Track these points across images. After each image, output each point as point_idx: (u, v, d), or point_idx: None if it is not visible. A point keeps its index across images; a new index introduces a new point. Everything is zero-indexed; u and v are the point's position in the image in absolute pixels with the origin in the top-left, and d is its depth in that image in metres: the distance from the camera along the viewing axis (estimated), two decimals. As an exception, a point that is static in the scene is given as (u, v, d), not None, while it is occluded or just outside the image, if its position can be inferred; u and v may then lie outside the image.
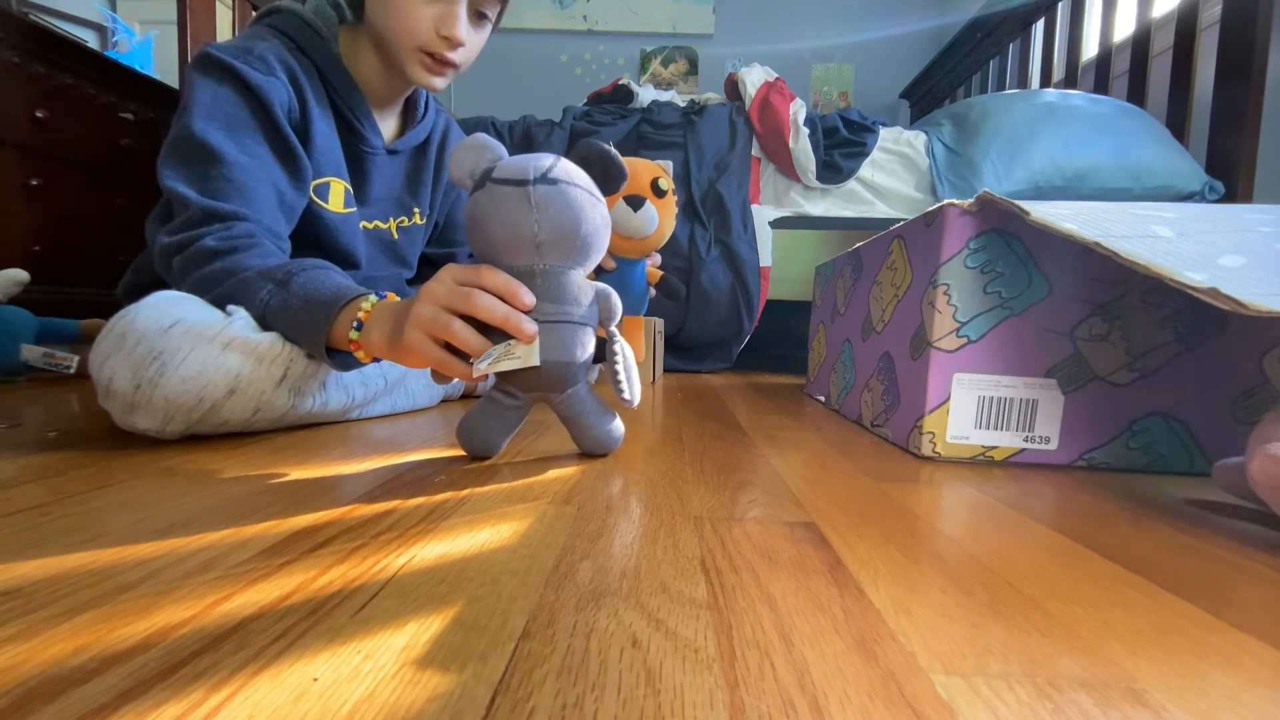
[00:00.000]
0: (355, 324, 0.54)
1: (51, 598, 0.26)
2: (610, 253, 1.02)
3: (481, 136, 0.52)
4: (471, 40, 0.70)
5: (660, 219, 1.00)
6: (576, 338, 0.52)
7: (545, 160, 0.50)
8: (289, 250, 0.68)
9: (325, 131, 0.72)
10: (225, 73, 0.64)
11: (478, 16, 0.70)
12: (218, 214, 0.61)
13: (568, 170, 0.50)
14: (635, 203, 0.98)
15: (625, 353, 0.54)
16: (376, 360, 0.57)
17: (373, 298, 0.56)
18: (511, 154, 0.52)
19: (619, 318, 0.55)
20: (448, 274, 0.49)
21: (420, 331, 0.49)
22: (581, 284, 0.53)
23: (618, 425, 0.57)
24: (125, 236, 1.63)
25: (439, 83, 0.72)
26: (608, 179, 0.54)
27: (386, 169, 0.81)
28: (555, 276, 0.51)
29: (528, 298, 0.49)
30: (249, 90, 0.65)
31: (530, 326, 0.48)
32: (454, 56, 0.70)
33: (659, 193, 1.00)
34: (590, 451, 0.57)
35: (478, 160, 0.52)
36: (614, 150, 0.54)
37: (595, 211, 0.51)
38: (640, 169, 1.00)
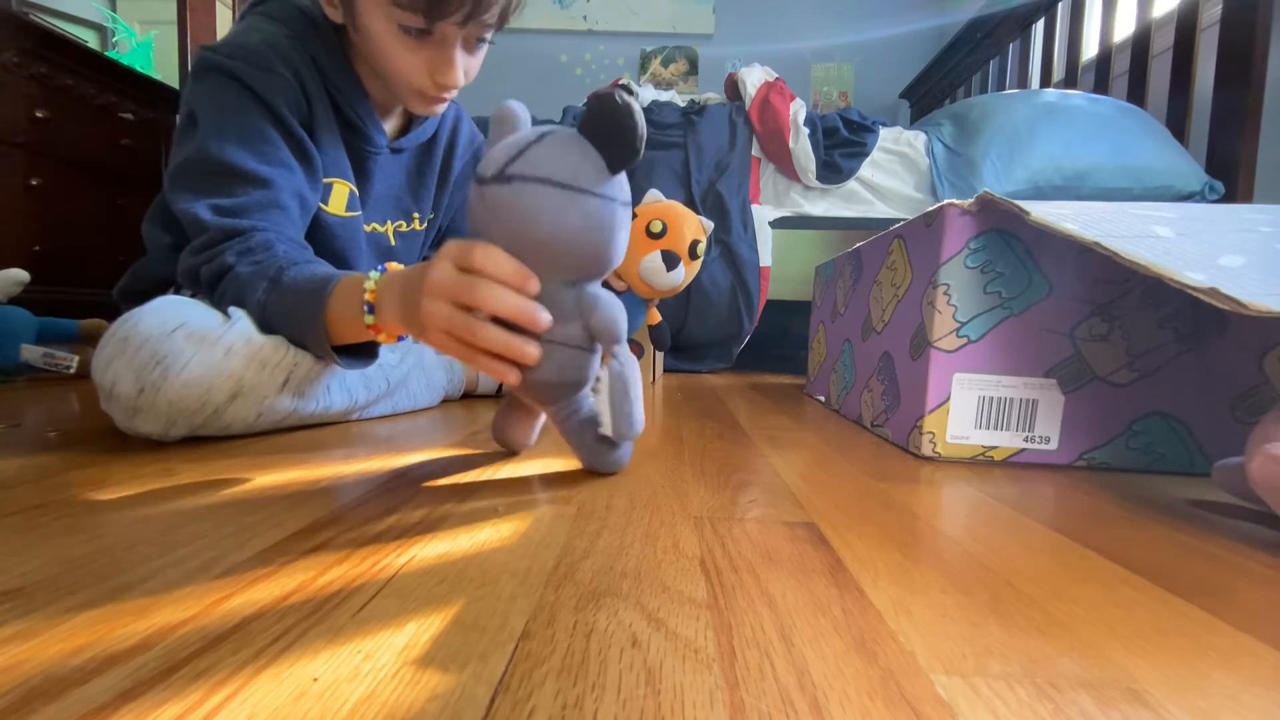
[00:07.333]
0: (367, 308, 0.50)
1: (51, 598, 0.26)
2: (624, 280, 1.00)
3: (505, 107, 0.44)
4: (470, 67, 0.66)
5: (684, 277, 1.00)
6: (574, 362, 0.46)
7: (519, 145, 0.42)
8: (310, 254, 0.65)
9: (328, 129, 0.69)
10: (226, 78, 0.62)
11: (475, 42, 0.65)
12: (236, 231, 0.59)
13: (536, 160, 0.41)
14: (672, 261, 0.95)
15: (614, 382, 0.46)
16: (402, 339, 0.54)
17: (374, 275, 0.51)
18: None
19: (615, 342, 0.46)
20: (447, 255, 0.43)
21: (442, 334, 0.44)
22: (582, 299, 0.45)
23: (622, 450, 0.50)
24: (125, 236, 1.63)
25: (439, 109, 0.70)
26: (620, 156, 0.42)
27: (389, 168, 0.77)
28: (543, 291, 0.43)
29: (533, 284, 0.42)
30: (253, 94, 0.62)
31: (533, 349, 0.43)
32: (450, 91, 0.67)
33: (694, 256, 0.99)
34: (591, 469, 0.52)
35: (500, 137, 0.45)
36: (632, 112, 0.40)
37: (568, 215, 0.41)
38: (685, 228, 0.96)
